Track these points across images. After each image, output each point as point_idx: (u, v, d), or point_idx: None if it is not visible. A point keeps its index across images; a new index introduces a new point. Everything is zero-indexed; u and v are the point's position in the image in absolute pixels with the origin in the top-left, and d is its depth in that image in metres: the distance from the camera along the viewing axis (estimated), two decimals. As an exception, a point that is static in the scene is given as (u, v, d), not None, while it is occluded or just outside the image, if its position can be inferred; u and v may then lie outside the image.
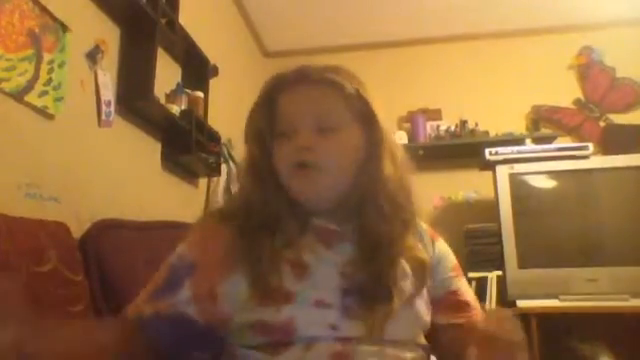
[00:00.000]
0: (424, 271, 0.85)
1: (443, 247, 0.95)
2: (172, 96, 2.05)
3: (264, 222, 0.80)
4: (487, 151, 2.80)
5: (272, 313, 0.74)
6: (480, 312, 0.91)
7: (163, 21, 1.89)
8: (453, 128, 3.23)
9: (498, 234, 2.68)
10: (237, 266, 0.77)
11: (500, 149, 2.80)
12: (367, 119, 0.85)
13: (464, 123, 3.22)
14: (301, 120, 0.82)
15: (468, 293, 0.93)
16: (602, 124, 3.26)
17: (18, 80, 1.28)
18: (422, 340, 0.85)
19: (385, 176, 0.83)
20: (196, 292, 0.77)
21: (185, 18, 2.09)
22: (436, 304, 0.88)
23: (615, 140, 3.13)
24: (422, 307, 0.84)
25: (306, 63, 0.87)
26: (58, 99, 1.42)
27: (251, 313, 0.76)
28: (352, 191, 0.83)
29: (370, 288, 0.78)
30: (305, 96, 0.84)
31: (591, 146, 2.79)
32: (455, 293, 0.91)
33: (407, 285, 0.82)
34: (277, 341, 0.74)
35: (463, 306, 0.91)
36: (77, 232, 1.27)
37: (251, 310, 0.76)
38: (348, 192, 0.83)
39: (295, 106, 0.84)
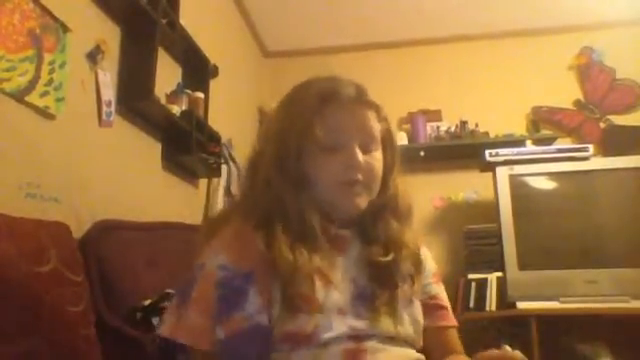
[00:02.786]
0: (420, 271, 0.91)
1: (426, 253, 0.99)
2: (172, 96, 2.05)
3: (301, 235, 0.81)
4: (487, 152, 2.80)
5: (300, 323, 0.75)
6: (452, 317, 0.97)
7: (164, 21, 1.88)
8: (453, 129, 3.23)
9: (498, 235, 2.68)
10: (275, 275, 0.77)
11: (500, 150, 2.81)
12: (387, 141, 0.91)
13: (464, 124, 3.22)
14: (352, 137, 0.85)
15: (445, 299, 0.99)
16: (602, 125, 3.26)
17: (19, 80, 1.28)
18: (421, 343, 0.88)
19: (400, 189, 0.92)
20: (263, 299, 0.76)
21: (186, 18, 2.09)
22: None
23: (615, 141, 3.13)
24: (419, 307, 0.89)
25: (342, 77, 0.90)
26: (59, 99, 1.42)
27: (280, 323, 0.76)
28: (372, 203, 0.88)
29: (376, 290, 0.82)
30: (359, 116, 0.87)
31: (591, 147, 2.79)
32: (435, 297, 0.96)
33: (407, 285, 0.87)
34: (298, 346, 0.75)
35: (441, 310, 0.96)
36: (77, 232, 1.27)
37: (281, 320, 0.76)
38: (370, 204, 0.88)
39: (349, 124, 0.86)
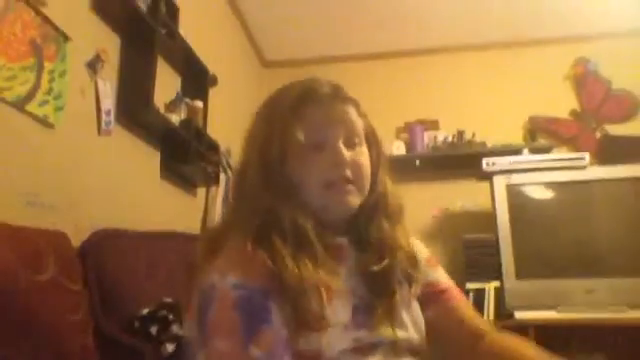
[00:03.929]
0: (417, 271, 0.88)
1: (416, 242, 0.96)
2: (172, 105, 2.06)
3: (299, 245, 0.77)
4: (484, 162, 2.81)
5: (311, 342, 0.73)
6: (461, 294, 0.93)
7: (163, 31, 1.90)
8: (450, 139, 3.25)
9: (496, 245, 2.68)
10: (283, 290, 0.74)
11: (497, 160, 2.82)
12: (371, 138, 0.89)
13: (461, 134, 3.23)
14: (334, 135, 0.83)
15: (444, 280, 0.95)
16: (598, 135, 3.28)
17: (19, 89, 1.28)
18: (425, 346, 0.86)
19: (388, 189, 0.89)
20: (283, 314, 0.72)
21: (185, 28, 2.11)
22: (419, 299, 0.90)
23: (611, 151, 3.15)
24: (417, 308, 0.87)
25: (318, 77, 0.88)
26: (58, 108, 1.42)
27: (292, 342, 0.73)
28: (364, 204, 0.85)
29: (375, 299, 0.81)
30: (339, 111, 0.85)
31: (587, 157, 2.81)
32: (432, 284, 0.93)
33: (405, 288, 0.85)
34: None
35: (444, 294, 0.93)
36: (76, 240, 1.27)
37: (293, 340, 0.72)
38: (361, 205, 0.85)
39: (329, 120, 0.84)
